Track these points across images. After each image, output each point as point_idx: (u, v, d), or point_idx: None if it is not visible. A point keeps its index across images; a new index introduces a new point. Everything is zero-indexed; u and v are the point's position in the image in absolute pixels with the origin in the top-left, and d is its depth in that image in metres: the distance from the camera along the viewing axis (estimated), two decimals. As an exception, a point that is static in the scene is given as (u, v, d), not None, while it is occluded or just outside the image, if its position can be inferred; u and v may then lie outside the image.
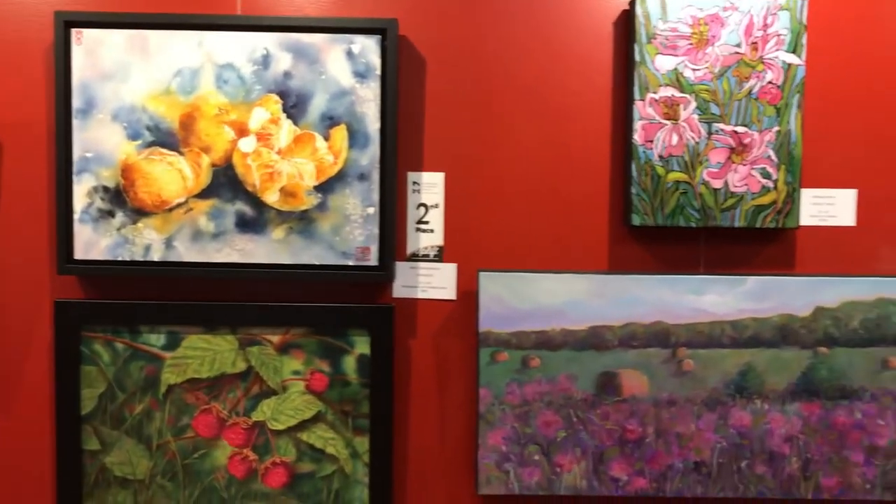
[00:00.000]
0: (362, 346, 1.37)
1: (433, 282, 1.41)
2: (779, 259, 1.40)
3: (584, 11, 1.39)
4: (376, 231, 1.35)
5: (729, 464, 1.36)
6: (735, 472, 1.36)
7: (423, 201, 1.40)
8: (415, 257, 1.41)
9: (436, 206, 1.41)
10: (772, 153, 1.34)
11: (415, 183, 1.40)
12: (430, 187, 1.40)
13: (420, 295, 1.41)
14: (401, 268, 1.40)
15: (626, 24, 1.37)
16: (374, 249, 1.35)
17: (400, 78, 1.38)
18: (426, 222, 1.41)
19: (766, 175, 1.35)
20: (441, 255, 1.41)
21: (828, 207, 1.40)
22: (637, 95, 1.34)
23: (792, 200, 1.35)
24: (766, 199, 1.35)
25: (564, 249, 1.40)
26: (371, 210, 1.35)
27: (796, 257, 1.40)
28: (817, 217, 1.40)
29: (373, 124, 1.34)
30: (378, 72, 1.33)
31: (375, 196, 1.35)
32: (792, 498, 1.36)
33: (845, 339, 1.34)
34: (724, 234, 1.39)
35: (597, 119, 1.39)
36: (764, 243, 1.40)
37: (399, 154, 1.39)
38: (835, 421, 1.35)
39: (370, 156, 1.34)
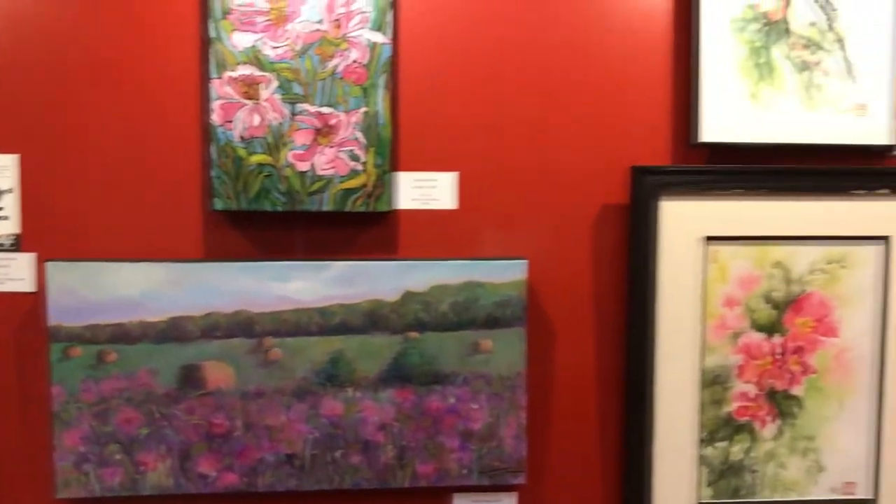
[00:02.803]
0: (-82, 344, 1.26)
1: (10, 273, 1.31)
2: (380, 243, 1.37)
3: (167, -16, 1.31)
4: (-76, 219, 1.24)
5: (322, 455, 1.32)
6: (329, 462, 1.33)
7: (-5, 186, 1.30)
8: (-12, 247, 1.30)
9: (9, 190, 1.30)
10: (359, 135, 1.31)
11: (-16, 167, 1.30)
12: (2, 170, 1.30)
13: (-5, 288, 1.31)
14: (-29, 259, 1.29)
15: (210, -1, 1.30)
16: (-77, 239, 1.24)
17: (-39, 52, 1.27)
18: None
19: (355, 157, 1.31)
20: (18, 244, 1.31)
21: (429, 190, 1.37)
22: (214, 73, 1.28)
23: (383, 183, 1.32)
24: (355, 183, 1.31)
25: (153, 236, 1.33)
26: (-83, 196, 1.23)
27: (399, 241, 1.37)
28: (419, 200, 1.37)
29: (-85, 102, 1.22)
30: (-80, 44, 1.22)
31: (-78, 181, 1.23)
32: (388, 487, 1.34)
33: (435, 323, 1.32)
34: (324, 219, 1.35)
35: (184, 98, 1.32)
36: (365, 227, 1.36)
37: (-37, 135, 1.28)
38: (428, 407, 1.33)
39: (-86, 137, 1.22)
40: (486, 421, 1.34)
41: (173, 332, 1.28)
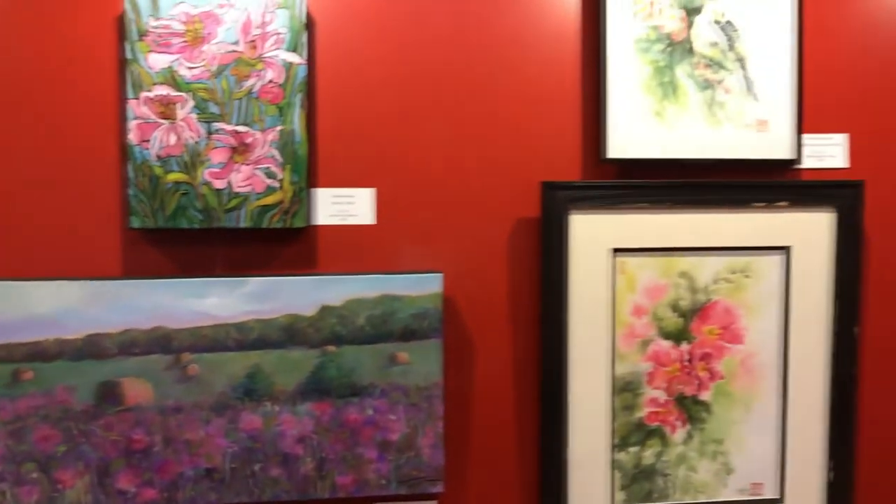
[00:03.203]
0: None
1: (-75, 293, 1.31)
2: (299, 259, 1.39)
3: (84, 7, 1.33)
4: None
5: (242, 468, 1.34)
6: (249, 476, 1.34)
7: None
8: None
9: (-76, 211, 1.31)
10: (276, 153, 1.33)
11: None
12: (-84, 191, 1.30)
13: None
14: None
15: (126, 20, 1.32)
16: None
17: None
18: (-86, 229, 1.30)
19: (271, 175, 1.34)
20: (-67, 265, 1.31)
21: (347, 206, 1.41)
22: (130, 94, 1.30)
23: (300, 200, 1.34)
24: (271, 199, 1.34)
25: (72, 255, 1.34)
26: None
27: (318, 257, 1.40)
28: (337, 216, 1.40)
29: None
30: None
31: None
32: (308, 498, 1.36)
33: (352, 336, 1.35)
34: (242, 236, 1.37)
35: (102, 118, 1.34)
36: (283, 243, 1.39)
37: None
38: (347, 419, 1.36)
39: None
40: (404, 431, 1.37)
41: (91, 349, 1.29)
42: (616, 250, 1.41)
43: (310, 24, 1.37)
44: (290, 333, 1.34)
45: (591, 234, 1.40)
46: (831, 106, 1.49)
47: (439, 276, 1.36)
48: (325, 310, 1.34)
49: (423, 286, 1.36)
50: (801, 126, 1.45)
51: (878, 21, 1.49)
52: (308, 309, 1.34)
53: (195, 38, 1.31)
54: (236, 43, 1.32)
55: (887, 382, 1.52)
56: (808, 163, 1.48)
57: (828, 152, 1.49)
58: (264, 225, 1.34)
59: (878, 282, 1.50)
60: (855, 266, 1.45)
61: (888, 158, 1.50)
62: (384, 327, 1.36)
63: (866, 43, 1.49)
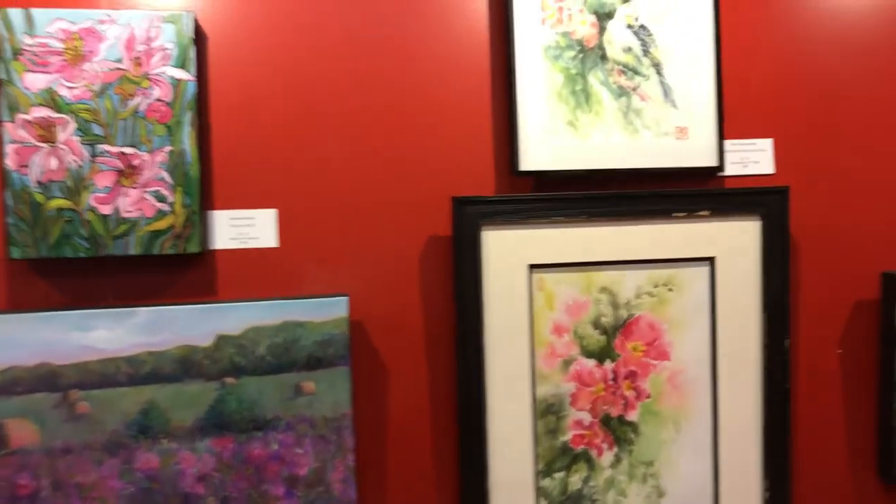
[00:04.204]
0: None
1: None
2: (197, 286, 1.32)
3: (-43, 25, 1.25)
4: None
5: (138, 511, 1.26)
6: (146, 519, 1.26)
7: None
8: None
9: None
10: (165, 175, 1.26)
11: None
12: None
13: None
14: None
15: (1, 39, 1.25)
16: None
17: None
18: None
19: (161, 198, 1.26)
20: None
21: (247, 229, 1.33)
22: (6, 117, 1.22)
23: (192, 224, 1.27)
24: (162, 224, 1.26)
25: (-49, 289, 1.26)
26: None
27: (217, 283, 1.32)
28: (238, 239, 1.33)
29: None
30: None
31: None
32: (211, 540, 1.28)
33: (253, 366, 1.27)
34: (134, 264, 1.30)
35: (-20, 143, 1.26)
36: (179, 270, 1.31)
37: None
38: (250, 454, 1.28)
39: None
40: (313, 466, 1.30)
41: (-32, 390, 1.21)
42: (533, 266, 1.35)
43: (199, 39, 1.30)
44: (185, 366, 1.26)
45: (507, 251, 1.34)
46: (754, 110, 1.43)
47: (344, 299, 1.29)
48: (222, 339, 1.27)
49: (328, 311, 1.29)
50: (723, 132, 1.40)
51: (799, 20, 1.44)
52: (203, 339, 1.26)
53: (75, 56, 1.24)
54: (120, 60, 1.25)
55: (822, 396, 1.46)
56: (731, 170, 1.43)
57: (752, 158, 1.44)
58: (155, 251, 1.26)
59: (808, 291, 1.45)
60: (783, 275, 1.39)
61: (814, 163, 1.45)
62: (287, 356, 1.28)
63: (787, 43, 1.44)
